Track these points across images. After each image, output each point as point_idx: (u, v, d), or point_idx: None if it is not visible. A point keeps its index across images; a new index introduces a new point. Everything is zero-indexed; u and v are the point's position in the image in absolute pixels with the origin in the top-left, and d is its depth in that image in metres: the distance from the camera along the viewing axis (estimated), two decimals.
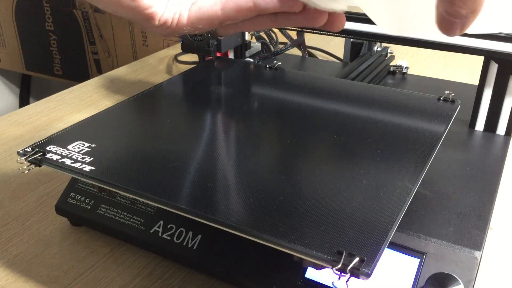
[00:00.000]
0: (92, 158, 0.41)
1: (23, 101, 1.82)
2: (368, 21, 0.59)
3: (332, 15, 0.36)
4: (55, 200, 0.54)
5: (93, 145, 0.43)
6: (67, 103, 0.84)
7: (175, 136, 0.48)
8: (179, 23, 0.36)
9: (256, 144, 0.47)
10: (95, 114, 0.50)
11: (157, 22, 0.35)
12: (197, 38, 0.64)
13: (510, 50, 0.54)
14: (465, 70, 0.94)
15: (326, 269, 0.31)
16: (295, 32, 0.86)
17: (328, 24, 0.36)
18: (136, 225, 0.48)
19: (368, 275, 0.30)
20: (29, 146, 0.42)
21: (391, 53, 0.87)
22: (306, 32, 0.66)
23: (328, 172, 0.42)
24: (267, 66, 0.64)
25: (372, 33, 0.60)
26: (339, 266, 0.30)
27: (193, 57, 1.00)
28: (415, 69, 0.90)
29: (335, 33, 0.61)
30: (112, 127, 0.48)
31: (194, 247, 0.46)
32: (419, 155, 0.43)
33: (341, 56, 0.90)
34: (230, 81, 0.63)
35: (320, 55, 0.98)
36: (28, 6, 1.53)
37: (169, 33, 0.37)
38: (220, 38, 0.37)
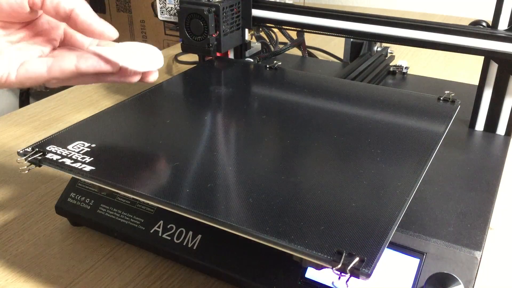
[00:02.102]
0: (92, 158, 0.41)
1: (23, 101, 1.82)
2: (368, 21, 0.59)
3: (146, 72, 0.43)
4: (55, 200, 0.54)
5: (93, 145, 0.43)
6: (67, 103, 0.84)
7: (175, 136, 0.48)
8: (7, 81, 0.40)
9: (256, 144, 0.47)
10: (95, 114, 0.50)
11: None
12: (197, 38, 0.64)
13: (510, 50, 0.54)
14: (465, 70, 0.94)
15: (326, 269, 0.31)
16: (295, 32, 0.86)
17: (142, 78, 0.43)
18: (136, 225, 0.48)
19: (368, 275, 0.30)
20: (29, 146, 0.42)
21: (391, 53, 0.87)
22: (306, 32, 0.65)
23: (328, 172, 0.42)
24: (267, 66, 0.64)
25: (372, 33, 0.60)
26: (339, 266, 0.30)
27: (193, 57, 1.00)
28: (415, 69, 0.90)
29: (335, 33, 0.61)
30: (112, 127, 0.48)
31: (194, 247, 0.46)
32: (419, 155, 0.43)
33: (341, 56, 0.90)
34: (230, 81, 0.63)
35: (320, 55, 0.98)
36: None
37: None
38: (48, 89, 0.42)
